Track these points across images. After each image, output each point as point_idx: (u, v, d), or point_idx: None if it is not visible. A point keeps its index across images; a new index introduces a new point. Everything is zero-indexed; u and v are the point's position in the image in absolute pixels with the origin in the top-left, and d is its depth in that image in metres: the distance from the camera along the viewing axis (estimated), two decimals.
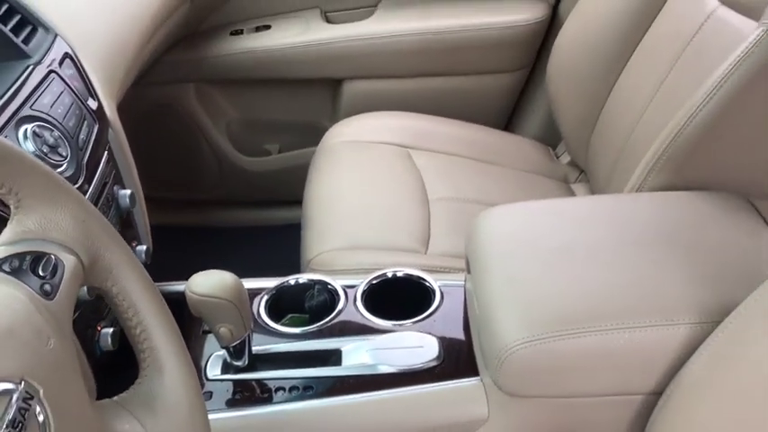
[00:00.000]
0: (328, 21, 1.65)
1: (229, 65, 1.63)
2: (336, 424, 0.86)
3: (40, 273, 0.50)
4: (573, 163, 1.50)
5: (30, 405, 0.43)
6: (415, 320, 0.95)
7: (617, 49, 1.30)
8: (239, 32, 1.64)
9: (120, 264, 0.56)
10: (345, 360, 0.90)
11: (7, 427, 0.42)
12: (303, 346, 0.93)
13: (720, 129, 0.93)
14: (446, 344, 0.91)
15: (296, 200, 1.43)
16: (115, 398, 0.54)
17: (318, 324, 0.96)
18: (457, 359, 0.90)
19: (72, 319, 0.52)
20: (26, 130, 0.76)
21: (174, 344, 0.57)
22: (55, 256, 0.51)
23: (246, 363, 0.90)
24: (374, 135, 1.47)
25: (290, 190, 1.59)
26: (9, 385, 0.42)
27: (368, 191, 1.34)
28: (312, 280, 1.02)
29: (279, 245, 1.45)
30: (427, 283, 1.00)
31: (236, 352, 0.88)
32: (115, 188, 0.91)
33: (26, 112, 0.81)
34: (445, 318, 0.96)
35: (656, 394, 0.78)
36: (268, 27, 1.64)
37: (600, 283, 0.82)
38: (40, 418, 0.44)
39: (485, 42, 1.57)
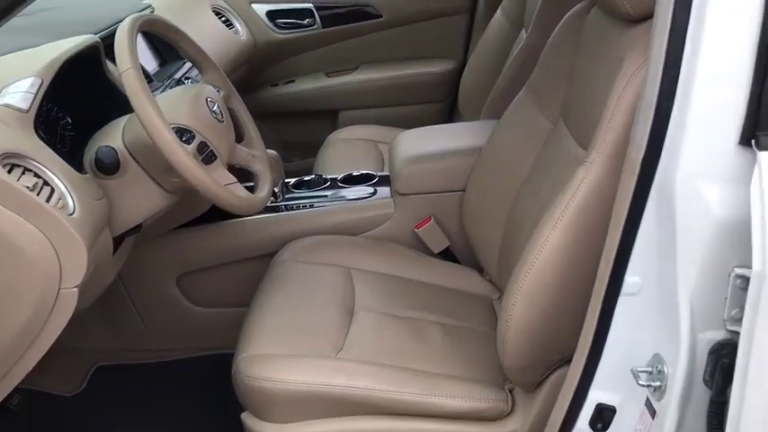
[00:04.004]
0: (328, 76, 2.66)
1: (271, 104, 2.62)
2: (324, 220, 1.74)
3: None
4: None
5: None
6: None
7: (492, 74, 2.24)
8: (276, 84, 2.65)
9: (235, 97, 1.49)
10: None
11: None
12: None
13: None
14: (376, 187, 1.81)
15: None
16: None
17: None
18: (381, 192, 1.79)
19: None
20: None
21: (257, 138, 1.48)
22: (218, 89, 1.44)
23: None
24: (357, 135, 2.42)
25: None
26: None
27: (353, 155, 2.27)
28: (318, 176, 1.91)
29: None
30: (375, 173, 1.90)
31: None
32: None
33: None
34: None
35: None
36: (293, 81, 2.65)
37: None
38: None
39: (419, 82, 2.59)
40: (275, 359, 1.27)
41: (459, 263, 1.73)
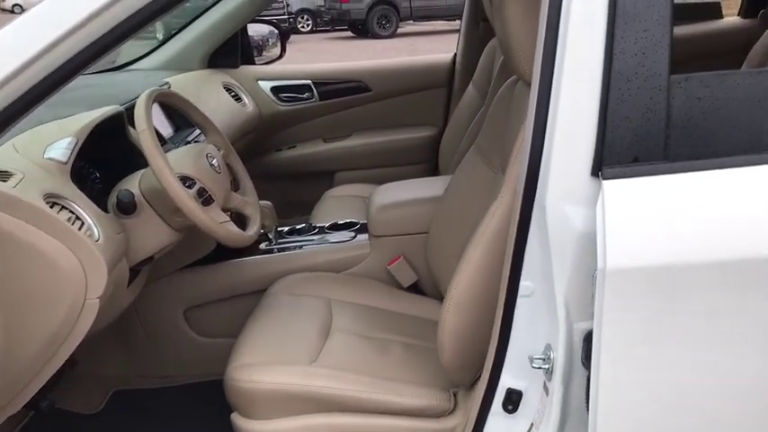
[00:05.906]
0: (325, 142, 2.98)
1: (275, 166, 2.94)
2: (310, 260, 2.01)
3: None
4: None
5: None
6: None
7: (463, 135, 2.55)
8: (280, 150, 2.97)
9: (233, 155, 1.80)
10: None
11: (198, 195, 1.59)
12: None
13: None
14: (357, 233, 2.08)
15: None
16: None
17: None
18: (360, 237, 2.06)
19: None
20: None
21: (250, 188, 1.79)
22: (219, 147, 1.74)
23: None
24: (348, 192, 2.71)
25: None
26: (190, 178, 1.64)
27: (342, 209, 2.56)
28: (308, 224, 2.20)
29: None
30: (357, 221, 2.18)
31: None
32: None
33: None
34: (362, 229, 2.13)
35: None
36: (294, 146, 2.97)
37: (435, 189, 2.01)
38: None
39: (405, 146, 2.89)
40: (257, 366, 1.52)
41: (425, 295, 1.98)
